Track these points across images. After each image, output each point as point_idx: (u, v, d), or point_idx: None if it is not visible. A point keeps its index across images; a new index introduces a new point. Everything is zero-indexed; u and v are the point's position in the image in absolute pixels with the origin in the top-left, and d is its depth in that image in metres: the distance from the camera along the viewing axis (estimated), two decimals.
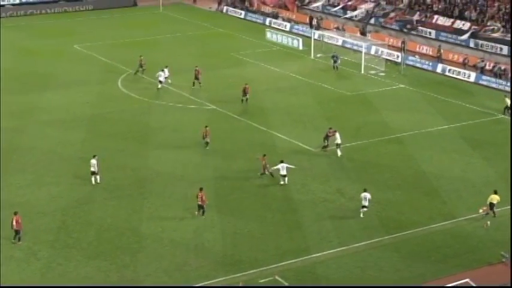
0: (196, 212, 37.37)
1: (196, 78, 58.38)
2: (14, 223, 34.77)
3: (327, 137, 45.60)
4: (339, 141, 45.06)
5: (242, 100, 54.33)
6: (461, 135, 48.63)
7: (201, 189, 37.51)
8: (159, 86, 57.51)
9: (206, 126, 46.54)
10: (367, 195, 37.42)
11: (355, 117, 52.20)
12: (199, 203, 37.26)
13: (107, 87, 59.13)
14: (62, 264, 33.09)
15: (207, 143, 45.77)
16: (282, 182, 40.69)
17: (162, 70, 58.29)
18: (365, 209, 37.44)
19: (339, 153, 44.92)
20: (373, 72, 63.51)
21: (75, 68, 64.79)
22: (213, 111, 52.90)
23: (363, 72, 63.35)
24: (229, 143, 46.62)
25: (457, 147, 46.59)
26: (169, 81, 58.59)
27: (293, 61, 67.63)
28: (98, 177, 41.01)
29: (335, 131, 45.43)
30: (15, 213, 35.12)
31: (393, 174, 41.63)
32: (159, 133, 48.87)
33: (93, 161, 41.06)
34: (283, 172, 40.70)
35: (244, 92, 54.29)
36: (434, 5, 74.42)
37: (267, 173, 41.40)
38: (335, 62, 64.22)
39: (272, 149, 45.74)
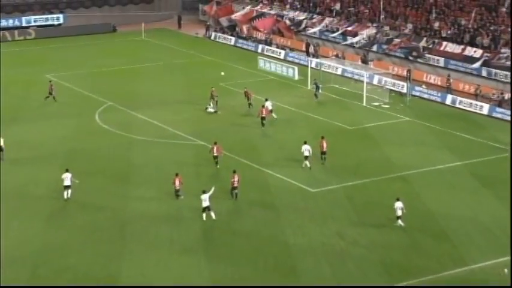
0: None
1: (248, 99, 61.85)
2: None
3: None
4: (307, 153, 49.26)
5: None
6: (472, 173, 49.25)
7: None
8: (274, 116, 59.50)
9: (215, 143, 49.43)
10: (400, 204, 40.89)
11: (356, 152, 52.85)
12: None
13: (83, 121, 59.81)
14: None
15: (216, 163, 49.44)
16: (205, 218, 41.57)
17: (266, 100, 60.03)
18: (400, 221, 40.85)
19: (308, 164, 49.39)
20: (375, 103, 64.39)
21: (47, 99, 65.10)
22: (200, 147, 53.46)
23: (364, 103, 64.21)
24: (217, 182, 46.95)
25: (467, 186, 47.20)
26: (274, 116, 59.31)
27: (288, 92, 68.50)
28: (70, 191, 43.72)
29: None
30: None
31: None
32: (141, 171, 49.42)
33: (67, 175, 43.84)
34: (206, 204, 41.57)
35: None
36: (442, 31, 75.25)
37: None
38: (317, 89, 65.35)
39: (265, 188, 46.42)
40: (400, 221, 41.03)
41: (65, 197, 44.10)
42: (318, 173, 49.00)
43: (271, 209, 43.60)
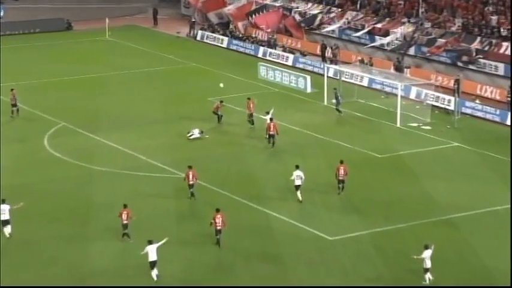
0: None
1: (250, 114, 63.90)
2: None
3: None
4: (298, 182, 50.67)
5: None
6: None
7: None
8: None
9: (190, 167, 50.67)
10: (429, 253, 41.24)
11: (387, 189, 53.41)
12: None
13: (28, 147, 60.55)
14: None
15: (192, 194, 51.05)
16: (155, 278, 41.67)
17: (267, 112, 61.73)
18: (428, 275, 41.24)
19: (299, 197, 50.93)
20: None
21: (13, 114, 65.91)
22: (182, 181, 53.77)
23: (398, 124, 64.98)
24: (203, 227, 47.27)
25: None
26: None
27: (297, 108, 69.34)
28: (10, 227, 45.34)
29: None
30: None
31: (441, 270, 42.40)
32: (104, 213, 49.71)
33: (4, 207, 45.38)
34: (153, 257, 41.64)
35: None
36: (502, 28, 75.66)
37: None
38: (338, 102, 66.51)
39: (267, 235, 46.89)
40: (427, 276, 41.44)
41: (7, 234, 45.29)
42: (338, 215, 49.50)
43: (276, 263, 43.94)
